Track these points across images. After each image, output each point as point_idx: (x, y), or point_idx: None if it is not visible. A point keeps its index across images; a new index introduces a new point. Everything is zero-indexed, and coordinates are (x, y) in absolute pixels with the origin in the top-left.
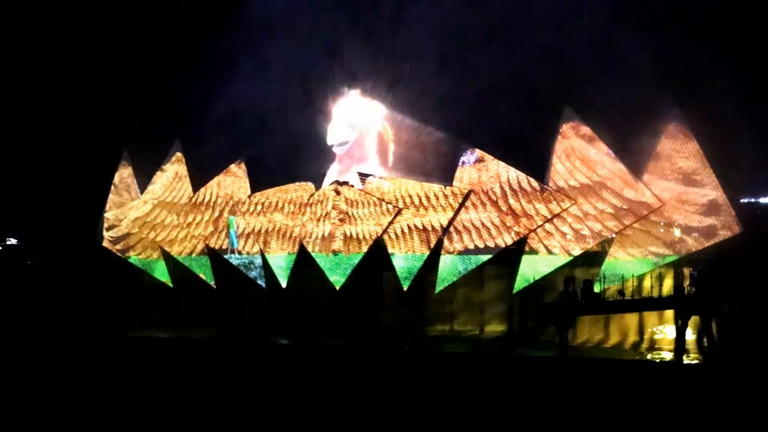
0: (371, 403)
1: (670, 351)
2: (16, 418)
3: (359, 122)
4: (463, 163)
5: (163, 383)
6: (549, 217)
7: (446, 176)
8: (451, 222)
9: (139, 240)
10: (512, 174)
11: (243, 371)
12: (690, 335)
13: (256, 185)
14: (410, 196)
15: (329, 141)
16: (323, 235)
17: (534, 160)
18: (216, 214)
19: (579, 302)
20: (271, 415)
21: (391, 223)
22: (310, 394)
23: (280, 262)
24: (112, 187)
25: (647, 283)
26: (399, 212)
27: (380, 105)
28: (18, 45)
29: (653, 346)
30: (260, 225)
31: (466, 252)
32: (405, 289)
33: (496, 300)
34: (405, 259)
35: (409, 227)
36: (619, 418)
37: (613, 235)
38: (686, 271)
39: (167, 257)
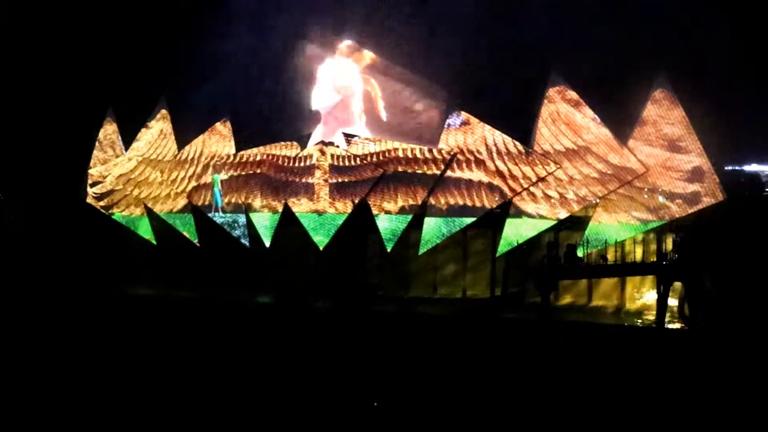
0: (353, 366)
1: (651, 316)
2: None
3: (344, 84)
4: (449, 125)
5: (146, 343)
6: (534, 180)
7: (433, 136)
8: (435, 184)
9: (123, 197)
10: (497, 137)
11: (226, 331)
12: (672, 301)
13: (241, 144)
14: (396, 157)
15: (314, 105)
16: (307, 194)
17: (519, 124)
18: (200, 171)
19: (562, 266)
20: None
21: (376, 183)
22: (294, 355)
23: (264, 221)
24: (97, 144)
25: (630, 248)
26: (383, 173)
27: (367, 58)
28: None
29: (635, 311)
30: (244, 183)
31: (450, 214)
32: (388, 250)
33: (479, 263)
34: (389, 220)
35: (394, 188)
36: (599, 381)
37: (597, 200)
38: (669, 237)
39: (151, 214)
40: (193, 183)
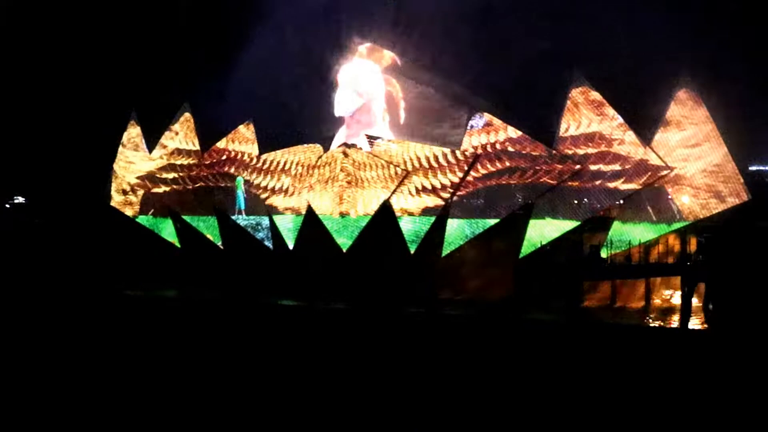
0: (377, 366)
1: (676, 317)
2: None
3: (366, 87)
4: (472, 126)
5: (169, 344)
6: (557, 182)
7: (455, 139)
8: (459, 185)
9: (148, 199)
10: (520, 137)
11: (249, 332)
12: (696, 302)
13: (264, 146)
14: (418, 159)
15: (336, 108)
16: (331, 196)
17: (542, 124)
18: (224, 174)
19: (586, 267)
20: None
21: (399, 185)
22: (316, 356)
23: (288, 223)
24: (121, 147)
25: (654, 249)
26: (407, 175)
27: (388, 59)
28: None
29: (659, 312)
30: (268, 186)
31: (473, 216)
32: (412, 252)
33: (502, 264)
34: (412, 222)
35: (417, 190)
36: (624, 381)
37: (621, 201)
38: (693, 238)
39: (175, 217)
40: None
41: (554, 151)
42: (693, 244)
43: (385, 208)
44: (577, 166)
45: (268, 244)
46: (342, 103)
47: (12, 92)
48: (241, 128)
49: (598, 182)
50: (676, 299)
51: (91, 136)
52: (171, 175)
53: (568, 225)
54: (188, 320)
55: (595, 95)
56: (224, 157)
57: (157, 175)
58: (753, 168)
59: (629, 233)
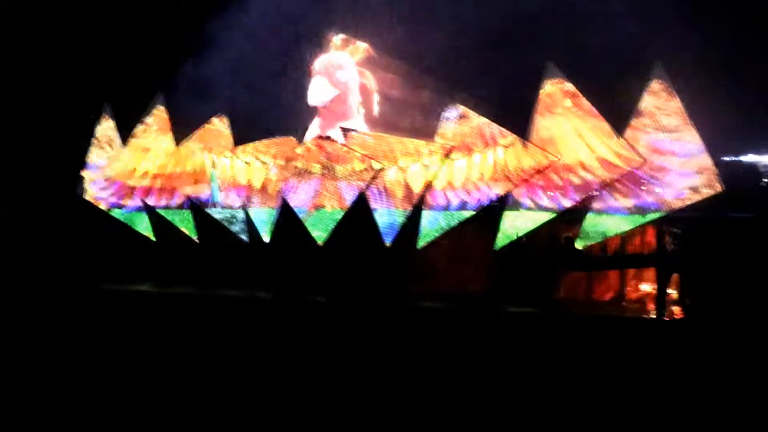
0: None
1: (651, 308)
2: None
3: (340, 78)
4: (446, 118)
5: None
6: (531, 173)
7: (429, 131)
8: (433, 178)
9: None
10: (495, 129)
11: (225, 327)
12: (671, 292)
13: (238, 139)
14: (393, 151)
15: (310, 100)
16: (306, 189)
17: (517, 116)
18: (198, 167)
19: (560, 259)
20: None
21: (374, 178)
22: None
23: (262, 216)
24: (94, 141)
25: (629, 240)
26: (382, 168)
27: (362, 51)
28: None
29: (634, 303)
30: (242, 179)
31: (448, 208)
32: (387, 245)
33: (477, 256)
34: (387, 214)
35: (391, 182)
36: (601, 374)
37: (596, 193)
38: (668, 228)
39: (149, 210)
40: (192, 181)
41: (529, 142)
42: (667, 235)
43: (361, 201)
44: (552, 159)
45: (244, 237)
46: (316, 93)
47: None
48: (215, 120)
49: (572, 173)
50: (652, 290)
51: (63, 129)
52: (144, 169)
53: (544, 216)
54: (166, 314)
55: (569, 86)
56: (198, 150)
57: (131, 169)
58: (726, 159)
59: (604, 224)
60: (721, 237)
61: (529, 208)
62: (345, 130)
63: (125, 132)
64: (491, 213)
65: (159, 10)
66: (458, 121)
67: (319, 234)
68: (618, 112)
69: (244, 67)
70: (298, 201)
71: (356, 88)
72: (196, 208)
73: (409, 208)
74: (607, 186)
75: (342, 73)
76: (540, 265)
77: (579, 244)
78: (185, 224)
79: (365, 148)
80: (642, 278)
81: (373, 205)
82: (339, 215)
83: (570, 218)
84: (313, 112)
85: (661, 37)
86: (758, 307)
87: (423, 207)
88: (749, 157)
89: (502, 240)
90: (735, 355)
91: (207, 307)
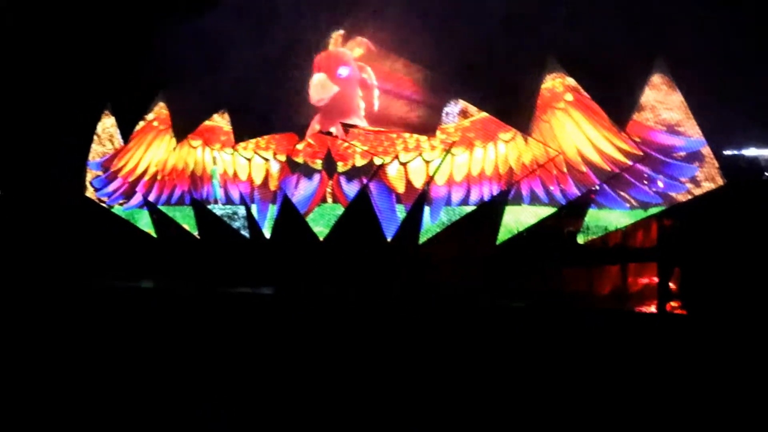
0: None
1: (652, 302)
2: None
3: (340, 75)
4: (447, 113)
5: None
6: (533, 167)
7: (431, 126)
8: (434, 173)
9: (122, 189)
10: (496, 124)
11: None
12: (672, 286)
13: (239, 135)
14: (394, 146)
15: (311, 99)
16: (306, 185)
17: (517, 111)
18: (199, 163)
19: (562, 253)
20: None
21: (374, 174)
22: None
23: (264, 212)
24: (95, 137)
25: (630, 234)
26: (383, 163)
27: (363, 46)
28: None
29: (636, 297)
30: (243, 175)
31: (449, 203)
32: (388, 240)
33: (479, 251)
34: (388, 210)
35: (392, 178)
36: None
37: (597, 187)
38: (669, 222)
39: (151, 207)
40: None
41: (530, 137)
42: (668, 229)
43: (362, 196)
44: (553, 153)
45: (245, 233)
46: (317, 90)
47: None
48: (216, 117)
49: (573, 168)
50: (653, 284)
51: (65, 126)
52: (145, 166)
53: (545, 211)
54: (167, 311)
55: (570, 80)
56: (199, 146)
57: (132, 165)
58: (727, 152)
59: (605, 219)
60: (722, 230)
61: (530, 203)
62: (346, 126)
63: (126, 128)
64: (493, 208)
65: (159, 8)
66: (459, 116)
67: (320, 229)
68: (619, 106)
69: (244, 63)
70: (299, 197)
71: (356, 84)
72: (198, 204)
73: (411, 204)
74: (609, 180)
75: (342, 69)
76: (541, 259)
77: (580, 239)
78: (186, 220)
79: (366, 144)
80: (643, 272)
81: (374, 200)
82: (340, 211)
83: (571, 213)
84: (314, 107)
85: (662, 30)
86: (760, 300)
87: (424, 202)
88: (751, 151)
89: (503, 234)
90: (736, 350)
91: (208, 303)
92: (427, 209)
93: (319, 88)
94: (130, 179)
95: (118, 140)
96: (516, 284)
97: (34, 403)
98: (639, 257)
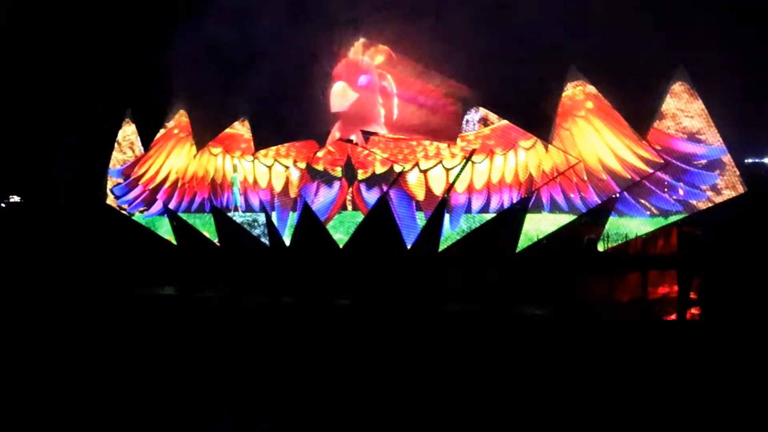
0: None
1: (673, 310)
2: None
3: (361, 83)
4: (468, 121)
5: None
6: (553, 175)
7: (451, 133)
8: (455, 180)
9: (143, 196)
10: (516, 132)
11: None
12: (693, 294)
13: (260, 143)
14: (414, 154)
15: (332, 104)
16: (326, 192)
17: (539, 119)
18: (219, 171)
19: (583, 261)
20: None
21: (394, 181)
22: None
23: (284, 219)
24: (116, 145)
25: (650, 242)
26: (403, 171)
27: (383, 54)
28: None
29: (656, 305)
30: (264, 182)
31: (469, 210)
32: (408, 247)
33: (499, 258)
34: (408, 217)
35: (413, 185)
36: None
37: (617, 195)
38: (689, 230)
39: (171, 214)
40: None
41: (551, 145)
42: (689, 237)
43: (382, 203)
44: (574, 161)
45: (265, 240)
46: (337, 99)
47: (5, 90)
48: (237, 124)
49: (593, 175)
50: (674, 292)
51: (86, 134)
52: (165, 173)
53: (565, 219)
54: (187, 319)
55: (591, 88)
56: (219, 154)
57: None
58: (749, 161)
59: (626, 226)
60: (743, 239)
61: (550, 211)
62: (366, 133)
63: (147, 136)
64: (513, 215)
65: (180, 17)
66: (480, 123)
67: (341, 237)
68: (640, 114)
69: (266, 71)
70: (319, 204)
71: (376, 91)
72: (218, 211)
73: (431, 211)
74: (629, 188)
75: (362, 77)
76: (561, 267)
77: (601, 246)
78: (207, 228)
79: (386, 151)
80: (663, 280)
81: (394, 207)
82: (360, 218)
83: (592, 220)
84: (334, 115)
85: (683, 39)
86: None
87: (445, 209)
88: None
89: (523, 242)
90: (757, 357)
91: (229, 310)
92: (447, 216)
93: (340, 95)
94: (151, 186)
95: (139, 148)
96: (535, 292)
97: (57, 402)
98: (659, 265)
